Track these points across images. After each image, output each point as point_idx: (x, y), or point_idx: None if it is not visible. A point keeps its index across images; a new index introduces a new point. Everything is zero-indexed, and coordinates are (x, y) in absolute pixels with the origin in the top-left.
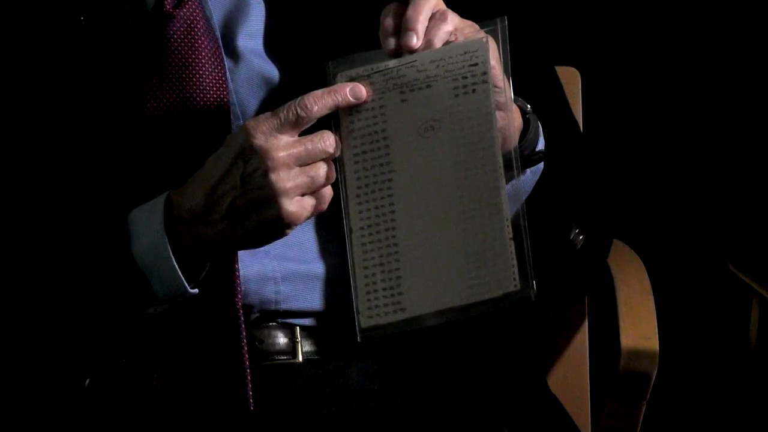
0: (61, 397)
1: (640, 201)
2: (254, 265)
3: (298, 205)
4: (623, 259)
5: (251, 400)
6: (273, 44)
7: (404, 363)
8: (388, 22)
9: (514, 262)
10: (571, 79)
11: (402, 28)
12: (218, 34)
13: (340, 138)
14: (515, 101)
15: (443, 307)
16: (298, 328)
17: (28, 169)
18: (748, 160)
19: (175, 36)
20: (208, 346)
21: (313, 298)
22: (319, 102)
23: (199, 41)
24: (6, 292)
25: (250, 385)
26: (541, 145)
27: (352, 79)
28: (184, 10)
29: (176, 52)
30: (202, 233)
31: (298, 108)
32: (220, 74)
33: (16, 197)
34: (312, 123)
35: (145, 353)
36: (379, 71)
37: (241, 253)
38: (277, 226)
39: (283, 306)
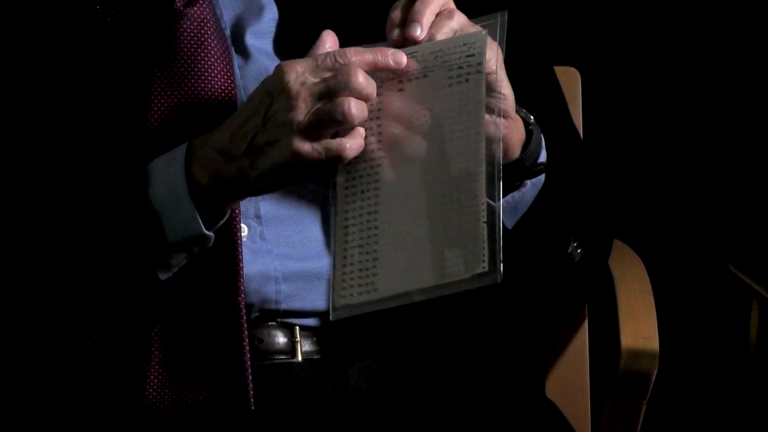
0: (61, 381)
1: (640, 201)
2: (256, 264)
3: (309, 147)
4: (623, 259)
5: (252, 400)
6: (284, 45)
7: (404, 363)
8: (396, 14)
9: (485, 245)
10: (571, 79)
11: (408, 19)
12: (228, 33)
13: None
14: (518, 112)
15: (413, 287)
16: (297, 327)
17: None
18: (748, 160)
19: (185, 34)
20: (210, 345)
21: (313, 298)
22: (359, 55)
23: (209, 40)
24: (16, 239)
25: (251, 385)
26: (542, 157)
27: None
28: (195, 8)
29: (185, 50)
30: (222, 169)
31: (337, 55)
32: (228, 73)
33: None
34: None
35: (146, 349)
36: None
37: (243, 252)
38: (287, 168)
39: (284, 306)
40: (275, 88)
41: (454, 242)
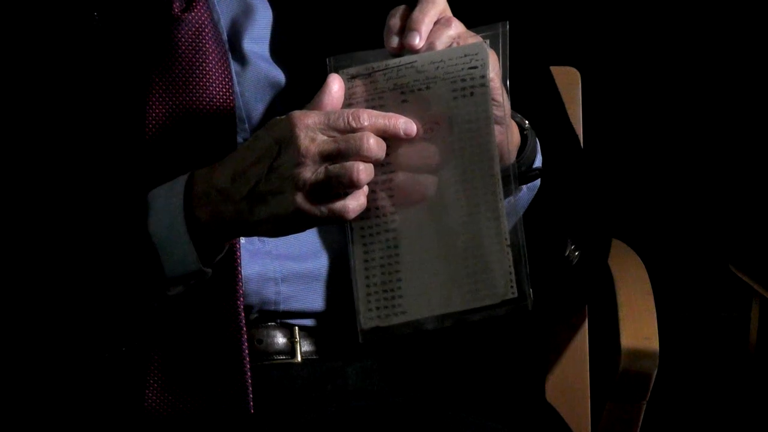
0: (60, 385)
1: (640, 201)
2: (255, 265)
3: (310, 205)
4: (623, 259)
5: (252, 402)
6: (280, 50)
7: (403, 363)
8: (394, 21)
9: (512, 269)
10: (571, 79)
11: (406, 28)
12: (225, 38)
13: None
14: (513, 117)
15: (442, 311)
16: (297, 328)
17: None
18: (748, 160)
19: (183, 39)
20: (209, 347)
21: (313, 299)
22: (371, 119)
23: (207, 45)
24: (15, 266)
25: (250, 389)
26: (538, 162)
27: (352, 77)
28: (193, 14)
29: (184, 55)
30: (221, 209)
31: (350, 117)
32: (226, 79)
33: (30, 178)
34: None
35: (145, 353)
36: (379, 70)
37: (241, 253)
38: (288, 220)
39: (283, 306)
40: (284, 138)
41: (478, 266)
